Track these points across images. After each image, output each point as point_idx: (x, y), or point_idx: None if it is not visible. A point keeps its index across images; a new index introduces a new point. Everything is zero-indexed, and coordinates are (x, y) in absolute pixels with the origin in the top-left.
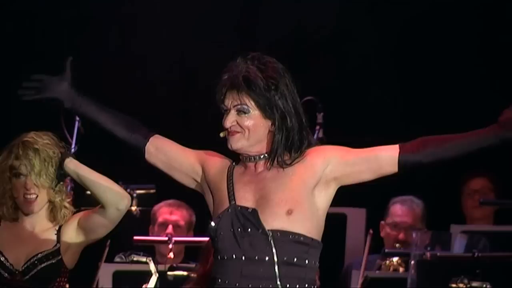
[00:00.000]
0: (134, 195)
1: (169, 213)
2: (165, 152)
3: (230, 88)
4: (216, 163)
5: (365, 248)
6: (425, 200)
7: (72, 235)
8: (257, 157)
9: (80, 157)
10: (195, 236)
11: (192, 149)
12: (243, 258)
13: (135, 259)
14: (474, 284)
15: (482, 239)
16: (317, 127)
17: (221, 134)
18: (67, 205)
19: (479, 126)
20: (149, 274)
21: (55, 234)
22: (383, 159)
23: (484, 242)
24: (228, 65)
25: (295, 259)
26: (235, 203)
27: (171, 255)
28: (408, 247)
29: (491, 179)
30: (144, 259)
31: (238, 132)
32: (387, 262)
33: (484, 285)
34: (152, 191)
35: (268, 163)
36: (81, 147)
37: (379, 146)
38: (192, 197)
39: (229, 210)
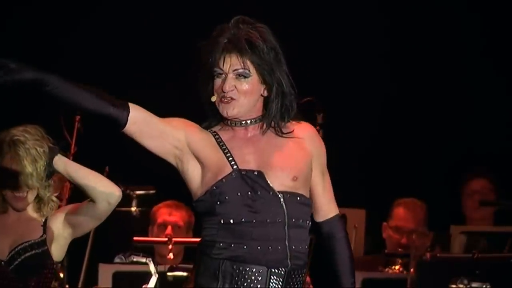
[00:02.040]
0: (134, 195)
1: (168, 214)
2: (146, 121)
3: (230, 51)
4: (196, 129)
5: None
6: (425, 201)
7: (59, 228)
8: (248, 122)
9: (79, 157)
10: (194, 236)
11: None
12: (254, 221)
13: (134, 259)
14: (474, 285)
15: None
16: (317, 128)
17: (213, 99)
18: (54, 199)
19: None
20: (148, 275)
21: (41, 225)
22: (318, 203)
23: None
24: (217, 29)
25: (301, 221)
26: (237, 167)
27: (171, 255)
28: (410, 250)
29: (491, 180)
30: (143, 260)
31: (233, 99)
32: (390, 270)
33: (484, 286)
34: (151, 192)
35: (263, 127)
36: (80, 148)
37: (331, 195)
38: (191, 198)
39: (233, 174)
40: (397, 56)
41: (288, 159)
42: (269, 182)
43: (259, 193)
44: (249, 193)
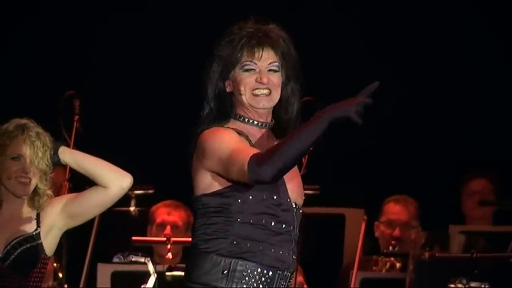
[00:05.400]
0: (133, 195)
1: (167, 213)
2: None
3: (264, 45)
4: (236, 136)
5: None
6: (424, 201)
7: (54, 219)
8: (269, 125)
9: None
10: None
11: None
12: (273, 223)
13: (133, 259)
14: (473, 284)
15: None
16: None
17: (241, 93)
18: (49, 192)
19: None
20: (147, 275)
21: (35, 219)
22: None
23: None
24: (237, 27)
25: (298, 235)
26: None
27: (169, 255)
28: (404, 245)
29: (491, 180)
30: (142, 260)
31: (270, 92)
32: (384, 257)
33: (483, 286)
34: (150, 191)
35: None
36: (79, 148)
37: None
38: (190, 198)
39: None
40: (397, 56)
41: (298, 177)
42: (288, 189)
43: (282, 198)
44: (275, 197)
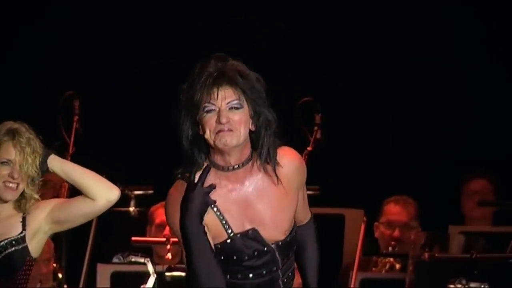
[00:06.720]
0: (132, 196)
1: None
2: None
3: (221, 84)
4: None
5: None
6: (424, 201)
7: (41, 222)
8: (240, 165)
9: (78, 157)
10: None
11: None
12: (251, 275)
13: (133, 260)
14: (472, 285)
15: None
16: (315, 128)
17: (206, 135)
18: (36, 196)
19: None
20: (147, 275)
21: (21, 222)
22: (296, 213)
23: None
24: (199, 66)
25: (290, 254)
26: (233, 232)
27: (169, 256)
28: (404, 246)
29: (491, 180)
30: (142, 260)
31: (231, 131)
32: (384, 258)
33: (482, 286)
34: (150, 191)
35: (254, 166)
36: (79, 148)
37: (307, 203)
38: None
39: (228, 241)
40: (397, 56)
41: (280, 213)
42: (263, 237)
43: (255, 253)
44: (246, 257)
